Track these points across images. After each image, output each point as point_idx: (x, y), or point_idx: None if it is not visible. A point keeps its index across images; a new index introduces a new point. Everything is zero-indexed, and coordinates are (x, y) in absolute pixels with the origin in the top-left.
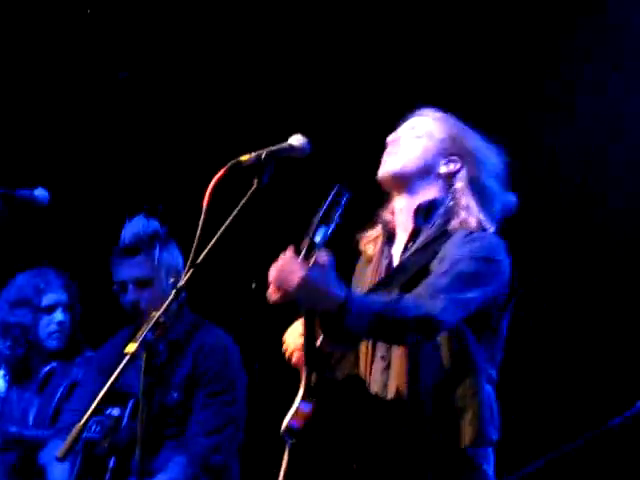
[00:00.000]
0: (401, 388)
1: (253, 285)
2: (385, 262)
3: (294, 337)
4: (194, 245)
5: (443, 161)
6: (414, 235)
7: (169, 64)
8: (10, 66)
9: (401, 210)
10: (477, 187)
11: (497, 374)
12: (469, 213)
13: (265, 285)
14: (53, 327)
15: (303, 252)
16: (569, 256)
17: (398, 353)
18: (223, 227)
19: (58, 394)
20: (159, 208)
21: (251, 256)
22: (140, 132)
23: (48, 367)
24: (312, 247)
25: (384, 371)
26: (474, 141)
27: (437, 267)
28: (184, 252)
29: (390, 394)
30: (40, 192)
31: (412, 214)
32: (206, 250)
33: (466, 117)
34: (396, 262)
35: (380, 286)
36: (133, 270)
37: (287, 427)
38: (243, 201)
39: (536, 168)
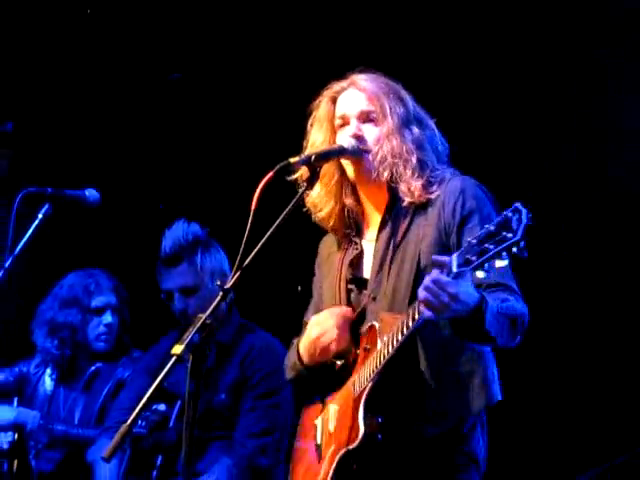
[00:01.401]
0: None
1: (299, 288)
2: (355, 252)
3: (326, 326)
4: (241, 248)
5: (402, 144)
6: (391, 204)
7: (220, 68)
8: (63, 69)
9: (368, 196)
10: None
11: None
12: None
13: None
14: (101, 329)
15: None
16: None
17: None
18: (271, 230)
19: (104, 393)
20: (160, 207)
21: (297, 259)
22: (190, 134)
23: (94, 367)
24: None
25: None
26: (411, 101)
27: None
28: (231, 254)
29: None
30: (91, 193)
31: (382, 197)
32: (253, 253)
33: None
34: (370, 248)
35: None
36: (177, 279)
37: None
38: (292, 203)
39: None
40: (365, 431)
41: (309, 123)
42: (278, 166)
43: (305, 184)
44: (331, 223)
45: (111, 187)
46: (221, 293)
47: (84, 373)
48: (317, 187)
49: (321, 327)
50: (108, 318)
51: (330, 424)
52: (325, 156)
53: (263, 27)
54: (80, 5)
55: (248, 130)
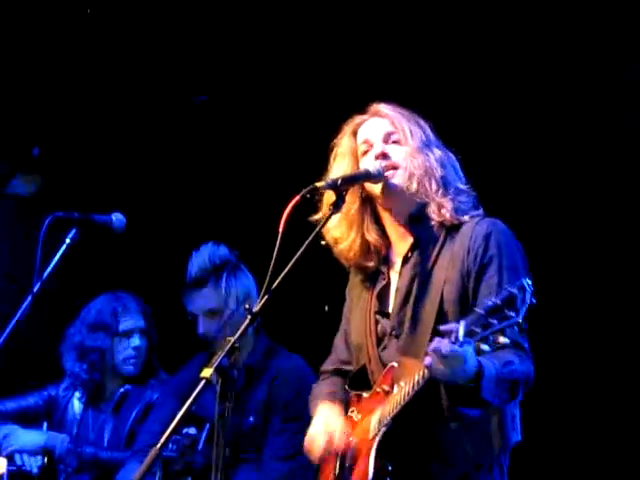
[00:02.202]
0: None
1: (326, 308)
2: (382, 282)
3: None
4: (269, 271)
5: (427, 161)
6: (414, 246)
7: (247, 90)
8: (91, 94)
9: (393, 223)
10: (452, 173)
11: None
12: (453, 202)
13: (338, 308)
14: (130, 352)
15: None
16: None
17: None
18: (298, 253)
19: (132, 416)
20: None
21: (325, 280)
22: (216, 158)
23: (122, 389)
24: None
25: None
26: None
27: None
28: (259, 278)
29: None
30: (117, 217)
31: (408, 226)
32: (281, 276)
33: None
34: (395, 279)
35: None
36: (201, 302)
37: None
38: (319, 227)
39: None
40: (373, 478)
41: (331, 158)
42: (304, 190)
43: (332, 208)
44: (351, 255)
45: (138, 211)
46: (249, 317)
47: (113, 396)
48: (335, 219)
49: (312, 441)
50: (136, 341)
51: (347, 457)
52: (351, 180)
53: (287, 50)
54: (111, 32)
55: (275, 153)
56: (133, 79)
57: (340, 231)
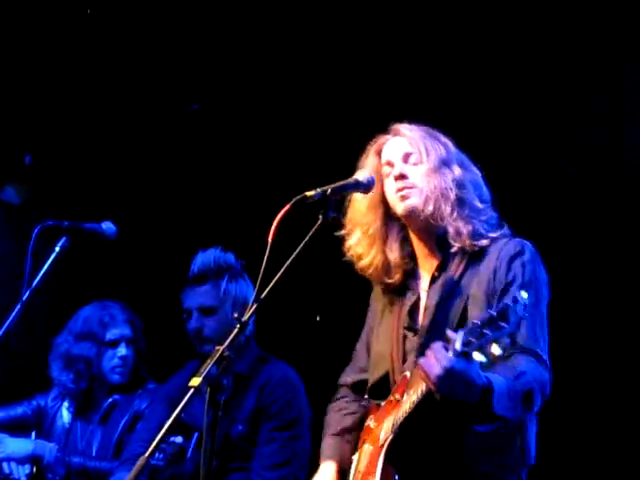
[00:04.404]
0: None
1: (317, 318)
2: (413, 298)
3: None
4: (259, 280)
5: (443, 182)
6: (441, 266)
7: (238, 99)
8: (81, 103)
9: (420, 242)
10: (476, 194)
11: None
12: (470, 225)
13: (330, 318)
14: (116, 361)
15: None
16: None
17: None
18: (288, 262)
19: (121, 425)
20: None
21: (316, 289)
22: (206, 166)
23: (110, 399)
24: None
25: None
26: (452, 148)
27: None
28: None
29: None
30: (108, 225)
31: (434, 245)
32: (270, 285)
33: None
34: (424, 297)
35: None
36: (198, 298)
37: None
38: (308, 236)
39: None
40: None
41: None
42: (294, 199)
43: (321, 218)
44: (371, 271)
45: (129, 220)
46: (238, 325)
47: (101, 406)
48: (356, 235)
49: None
50: (122, 351)
51: (362, 464)
52: (341, 189)
53: (278, 56)
54: (100, 41)
55: (267, 162)
56: (125, 87)
57: (362, 248)
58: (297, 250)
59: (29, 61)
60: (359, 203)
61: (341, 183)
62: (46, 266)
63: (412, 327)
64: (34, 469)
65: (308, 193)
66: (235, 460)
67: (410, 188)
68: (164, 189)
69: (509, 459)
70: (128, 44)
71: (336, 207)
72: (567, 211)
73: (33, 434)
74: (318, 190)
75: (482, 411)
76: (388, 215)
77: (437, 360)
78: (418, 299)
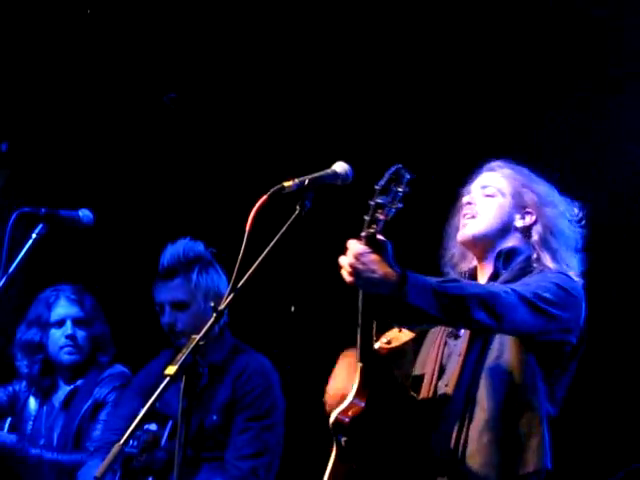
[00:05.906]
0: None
1: (292, 308)
2: None
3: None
4: (235, 269)
5: (518, 216)
6: (493, 278)
7: (214, 88)
8: (59, 89)
9: (481, 266)
10: (554, 238)
11: (557, 411)
12: (547, 263)
13: (304, 309)
14: (63, 341)
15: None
16: None
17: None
18: (265, 252)
19: (81, 413)
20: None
21: (291, 280)
22: (184, 155)
23: (72, 386)
24: (372, 223)
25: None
26: (544, 191)
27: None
28: (228, 276)
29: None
30: (84, 213)
31: (493, 258)
32: (247, 275)
33: None
34: None
35: None
36: (170, 293)
37: (336, 421)
38: (285, 227)
39: None
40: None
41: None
42: (272, 190)
43: (298, 208)
44: (448, 258)
45: (106, 207)
46: (214, 314)
47: (63, 392)
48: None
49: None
50: (68, 330)
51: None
52: (319, 180)
53: (256, 47)
54: (77, 25)
55: (245, 150)
56: (102, 74)
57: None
58: (274, 240)
59: (4, 48)
60: None
61: (319, 174)
62: (22, 253)
63: (454, 333)
64: None
65: (286, 184)
66: (209, 450)
67: (472, 217)
68: (142, 177)
69: (523, 457)
70: (104, 32)
71: (314, 198)
72: None
73: (8, 421)
74: (296, 181)
75: (398, 301)
76: None
77: (349, 251)
78: None
